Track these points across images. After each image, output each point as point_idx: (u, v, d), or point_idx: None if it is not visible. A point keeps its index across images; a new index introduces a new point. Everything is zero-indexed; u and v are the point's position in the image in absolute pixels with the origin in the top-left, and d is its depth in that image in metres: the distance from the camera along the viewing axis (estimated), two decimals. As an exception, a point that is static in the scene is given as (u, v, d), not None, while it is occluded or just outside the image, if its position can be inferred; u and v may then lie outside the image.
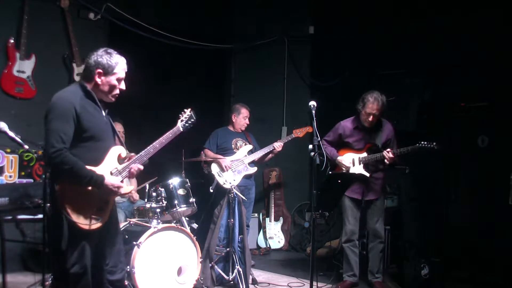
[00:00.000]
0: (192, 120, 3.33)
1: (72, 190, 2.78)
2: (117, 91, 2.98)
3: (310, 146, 3.53)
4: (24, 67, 5.06)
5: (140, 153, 3.08)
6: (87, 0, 5.54)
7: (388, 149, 4.43)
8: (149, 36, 5.94)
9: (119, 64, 2.93)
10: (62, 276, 2.86)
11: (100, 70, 2.88)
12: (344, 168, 4.61)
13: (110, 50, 2.94)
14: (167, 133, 3.21)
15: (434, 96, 5.80)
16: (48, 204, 2.97)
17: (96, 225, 2.84)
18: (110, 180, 2.87)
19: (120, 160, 3.02)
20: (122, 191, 2.97)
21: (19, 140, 3.19)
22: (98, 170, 2.87)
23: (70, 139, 2.77)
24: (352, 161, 4.60)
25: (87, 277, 2.87)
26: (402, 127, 5.74)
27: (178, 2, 6.58)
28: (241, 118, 5.38)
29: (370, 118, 4.48)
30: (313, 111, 3.65)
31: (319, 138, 3.57)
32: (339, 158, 4.63)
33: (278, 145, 5.26)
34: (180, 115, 3.34)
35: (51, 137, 2.72)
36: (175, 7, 6.53)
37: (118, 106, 3.12)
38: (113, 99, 3.00)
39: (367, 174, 4.56)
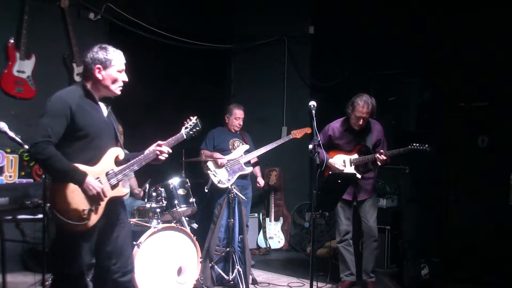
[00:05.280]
0: (197, 128, 3.26)
1: (60, 189, 2.76)
2: (120, 83, 2.97)
3: (310, 146, 3.53)
4: (24, 67, 5.07)
5: (139, 157, 3.05)
6: (87, 0, 5.55)
7: (381, 151, 4.40)
8: (149, 36, 5.95)
9: (115, 56, 2.94)
10: (59, 277, 2.87)
11: (98, 66, 2.89)
12: (337, 171, 4.58)
13: (104, 45, 2.95)
14: (170, 139, 3.15)
15: (434, 96, 5.80)
16: (48, 205, 2.94)
17: (83, 226, 2.80)
18: (91, 182, 2.77)
19: (117, 162, 2.99)
20: (116, 194, 2.95)
21: (19, 140, 3.18)
22: (94, 170, 2.84)
23: (58, 135, 2.75)
24: (343, 163, 4.60)
25: (83, 277, 2.87)
26: (402, 127, 5.76)
27: (178, 2, 6.58)
28: (233, 119, 5.32)
29: (360, 122, 4.47)
30: (313, 111, 3.64)
31: (319, 138, 3.58)
32: (331, 160, 4.61)
33: (261, 182, 5.49)
34: (185, 122, 3.27)
35: (36, 131, 2.74)
36: (175, 7, 6.53)
37: (118, 105, 3.11)
38: (118, 92, 2.98)
39: (359, 176, 4.55)
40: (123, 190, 3.01)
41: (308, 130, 5.32)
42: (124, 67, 2.98)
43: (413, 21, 5.90)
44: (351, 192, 4.62)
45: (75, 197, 2.78)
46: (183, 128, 3.24)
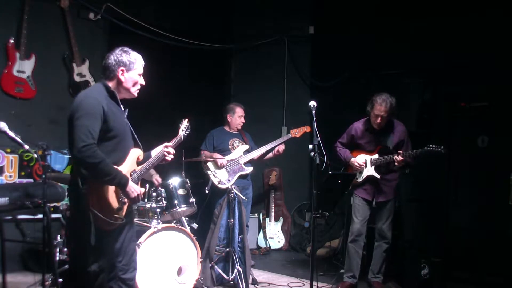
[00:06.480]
0: (189, 131, 3.54)
1: (97, 189, 2.84)
2: (138, 86, 3.10)
3: (310, 146, 3.53)
4: (24, 67, 5.07)
5: (153, 157, 3.20)
6: (87, 0, 5.55)
7: (400, 151, 4.42)
8: (149, 36, 5.95)
9: (137, 60, 3.07)
10: (76, 275, 2.95)
11: (122, 68, 3.00)
12: (358, 170, 4.62)
13: (126, 49, 3.06)
14: (173, 141, 3.35)
15: (434, 96, 5.80)
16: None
17: (115, 224, 2.91)
18: (133, 185, 2.93)
19: (138, 162, 3.11)
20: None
21: (19, 140, 3.19)
22: (122, 170, 2.92)
23: (97, 137, 2.81)
24: (364, 162, 4.61)
25: (104, 275, 2.92)
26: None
27: (178, 2, 6.58)
28: (237, 117, 5.35)
29: (378, 120, 4.48)
30: (313, 111, 3.66)
31: (319, 138, 3.56)
32: (353, 159, 4.63)
33: (281, 148, 5.21)
34: (180, 124, 3.52)
35: (80, 132, 2.74)
36: (175, 7, 6.53)
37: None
38: (136, 95, 3.12)
39: (378, 176, 4.56)
40: (141, 189, 3.10)
41: (307, 129, 5.31)
42: (143, 71, 3.10)
43: (413, 21, 5.89)
44: (371, 192, 4.63)
45: (113, 197, 2.89)
46: (180, 130, 3.48)
